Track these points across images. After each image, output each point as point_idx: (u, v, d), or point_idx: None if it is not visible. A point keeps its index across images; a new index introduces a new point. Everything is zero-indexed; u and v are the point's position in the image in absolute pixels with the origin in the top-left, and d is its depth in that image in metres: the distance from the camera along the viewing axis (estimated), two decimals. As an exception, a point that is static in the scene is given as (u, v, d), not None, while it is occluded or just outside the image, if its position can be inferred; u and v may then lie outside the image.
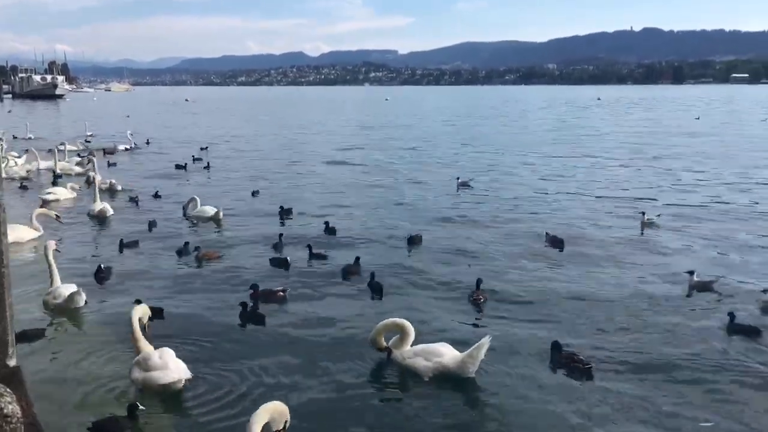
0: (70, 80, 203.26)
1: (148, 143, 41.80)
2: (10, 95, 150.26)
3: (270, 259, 13.99)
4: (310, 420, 7.33)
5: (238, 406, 7.83)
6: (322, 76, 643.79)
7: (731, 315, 9.99)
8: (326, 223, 16.96)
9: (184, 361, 8.40)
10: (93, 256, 14.89)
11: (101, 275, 12.78)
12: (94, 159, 27.63)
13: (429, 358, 8.51)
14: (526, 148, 38.24)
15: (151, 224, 17.36)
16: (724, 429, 7.31)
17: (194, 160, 31.38)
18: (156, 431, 7.55)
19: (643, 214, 17.62)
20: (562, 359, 8.81)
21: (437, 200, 21.74)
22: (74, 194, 22.50)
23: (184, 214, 19.09)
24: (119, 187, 23.59)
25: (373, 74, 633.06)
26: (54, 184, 24.99)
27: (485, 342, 8.22)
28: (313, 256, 14.31)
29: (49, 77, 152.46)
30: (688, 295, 11.66)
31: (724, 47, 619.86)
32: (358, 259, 13.44)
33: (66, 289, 11.29)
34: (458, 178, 24.47)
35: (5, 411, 2.43)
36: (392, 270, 13.38)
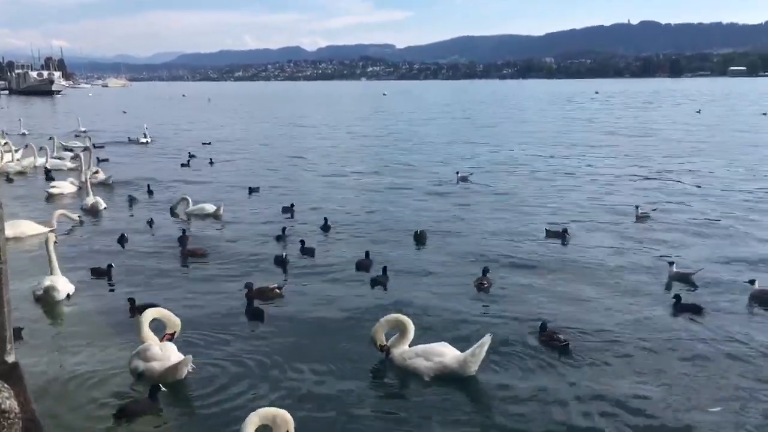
0: (66, 76, 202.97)
1: (145, 137, 41.84)
2: (6, 91, 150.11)
3: (275, 257, 13.82)
4: (308, 421, 7.27)
5: (237, 398, 7.88)
6: (320, 71, 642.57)
7: (677, 297, 10.63)
8: (325, 219, 16.97)
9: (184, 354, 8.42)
10: (91, 251, 14.93)
11: (106, 270, 12.79)
12: (91, 150, 27.71)
13: (430, 357, 8.48)
14: (527, 143, 38.20)
15: (150, 223, 17.16)
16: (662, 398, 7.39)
17: (190, 156, 31.14)
18: (177, 414, 7.64)
19: (637, 207, 17.72)
20: (544, 337, 9.29)
21: (437, 195, 21.72)
22: (75, 188, 22.68)
23: (172, 214, 19.03)
24: (110, 181, 23.79)
25: (370, 69, 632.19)
26: (47, 179, 25.13)
27: (486, 340, 8.21)
28: (305, 251, 14.33)
29: (45, 73, 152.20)
30: (668, 286, 11.93)
31: (721, 40, 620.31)
32: (368, 253, 13.52)
33: (47, 280, 11.50)
34: (458, 173, 24.47)
35: (3, 407, 2.40)
36: (395, 264, 13.43)
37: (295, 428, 5.97)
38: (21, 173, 26.83)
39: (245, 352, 9.20)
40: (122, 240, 15.24)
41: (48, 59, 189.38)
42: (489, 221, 17.67)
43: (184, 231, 15.65)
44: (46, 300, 11.40)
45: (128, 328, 10.05)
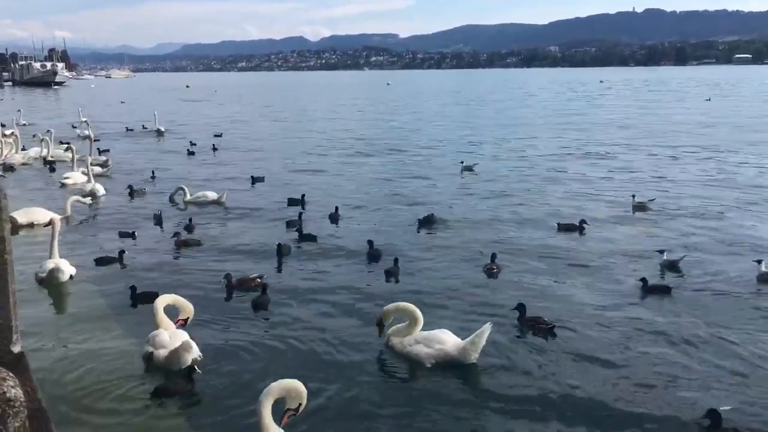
0: (70, 67, 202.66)
1: (144, 128, 42.34)
2: (10, 83, 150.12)
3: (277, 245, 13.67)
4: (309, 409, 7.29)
5: (246, 386, 7.91)
6: (323, 61, 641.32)
7: (644, 280, 11.05)
8: (336, 208, 17.09)
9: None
10: (91, 236, 15.15)
11: (118, 257, 12.90)
12: (92, 139, 28.29)
13: (430, 345, 8.51)
14: (532, 132, 37.97)
15: (157, 218, 16.86)
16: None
17: (190, 148, 30.98)
18: (213, 397, 7.75)
19: (633, 197, 17.73)
20: (528, 323, 9.51)
21: (441, 184, 21.71)
22: (86, 178, 22.63)
23: (170, 201, 19.33)
24: (109, 166, 24.57)
25: (374, 58, 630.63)
26: (51, 171, 25.38)
27: (486, 329, 8.24)
28: (303, 237, 14.43)
29: (48, 64, 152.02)
30: (661, 273, 12.18)
31: (726, 28, 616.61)
32: (371, 242, 13.49)
33: (50, 263, 11.85)
34: (462, 162, 24.42)
35: (8, 395, 2.41)
36: (403, 251, 13.56)
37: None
38: (25, 165, 26.82)
39: (254, 339, 9.28)
40: (130, 234, 15.19)
41: (51, 50, 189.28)
42: (491, 211, 17.68)
43: (187, 225, 15.72)
44: (49, 282, 11.72)
45: (132, 313, 10.35)
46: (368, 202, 18.92)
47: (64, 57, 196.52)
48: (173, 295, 9.28)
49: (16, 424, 2.44)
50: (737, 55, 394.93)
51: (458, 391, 7.95)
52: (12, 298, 3.79)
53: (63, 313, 10.87)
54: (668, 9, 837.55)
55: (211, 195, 18.81)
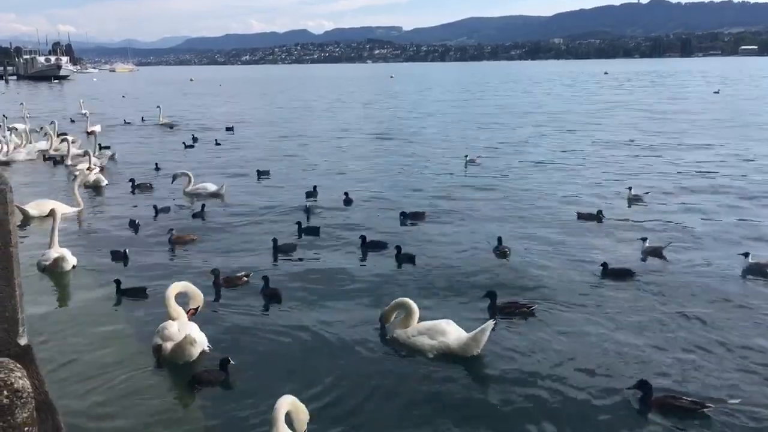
0: (74, 61, 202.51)
1: (143, 120, 42.74)
2: (14, 77, 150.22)
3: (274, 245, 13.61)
4: (312, 399, 7.34)
5: (251, 378, 7.96)
6: (327, 54, 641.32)
7: (604, 264, 11.34)
8: (346, 194, 17.55)
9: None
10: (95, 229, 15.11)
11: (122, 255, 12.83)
12: (96, 133, 28.36)
13: (433, 336, 8.57)
14: (538, 125, 37.78)
15: (159, 210, 16.70)
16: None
17: (187, 141, 30.87)
18: (246, 386, 7.83)
19: (630, 189, 17.80)
20: (505, 308, 9.76)
21: (445, 177, 21.66)
22: (98, 169, 22.98)
23: (173, 179, 19.46)
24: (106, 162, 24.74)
25: (377, 51, 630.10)
26: (55, 165, 25.51)
27: (489, 326, 8.30)
28: (303, 230, 14.45)
29: (53, 58, 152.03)
30: (643, 260, 12.55)
31: (732, 19, 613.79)
32: (364, 237, 13.43)
33: (55, 252, 12.09)
34: (467, 156, 24.36)
35: (16, 386, 2.43)
36: (409, 240, 13.67)
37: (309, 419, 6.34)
38: (30, 160, 26.84)
39: (254, 333, 9.31)
40: (134, 225, 15.21)
41: (55, 44, 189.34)
42: (495, 202, 17.67)
43: (198, 212, 16.02)
44: (53, 271, 11.94)
45: (135, 302, 10.42)
46: (374, 194, 18.85)
47: (68, 51, 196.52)
48: (185, 282, 9.28)
49: (24, 415, 2.47)
50: (743, 47, 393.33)
51: (462, 381, 7.98)
52: (18, 290, 3.81)
53: (68, 302, 10.96)
54: (673, 0, 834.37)
55: (211, 187, 18.77)
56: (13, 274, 3.79)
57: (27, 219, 15.88)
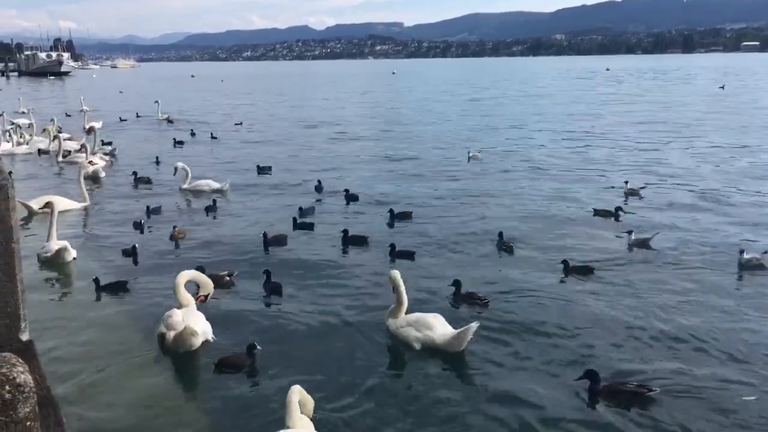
0: (75, 57, 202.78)
1: (138, 116, 43.04)
2: (16, 73, 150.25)
3: (266, 238, 13.51)
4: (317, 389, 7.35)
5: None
6: (328, 50, 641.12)
7: (565, 262, 11.48)
8: (346, 190, 17.65)
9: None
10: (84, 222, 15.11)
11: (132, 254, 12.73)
12: (95, 129, 28.85)
13: (420, 329, 8.69)
14: (542, 122, 37.60)
15: (151, 211, 16.29)
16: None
17: (177, 141, 30.38)
18: (271, 373, 7.98)
19: (626, 183, 17.93)
20: (463, 298, 10.09)
21: (447, 173, 21.62)
22: (105, 162, 23.49)
23: (175, 172, 19.35)
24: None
25: (379, 47, 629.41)
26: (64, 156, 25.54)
27: (473, 327, 8.37)
28: (297, 226, 14.51)
29: (54, 54, 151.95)
30: (630, 251, 12.82)
31: (734, 15, 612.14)
32: (346, 231, 13.47)
33: (55, 244, 12.28)
34: (469, 152, 24.33)
35: (18, 380, 2.43)
36: (410, 239, 13.68)
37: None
38: (29, 154, 26.88)
39: (261, 324, 9.44)
40: (139, 226, 15.16)
41: (57, 40, 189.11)
42: (499, 198, 17.66)
43: (210, 206, 16.43)
44: (54, 262, 12.12)
45: (138, 294, 10.52)
46: (375, 192, 18.80)
47: (69, 47, 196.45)
48: (194, 271, 9.41)
49: (26, 410, 2.47)
50: (745, 43, 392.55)
51: (448, 375, 8.11)
52: (20, 286, 3.82)
53: (71, 293, 11.02)
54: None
55: (213, 184, 18.76)
56: (15, 270, 3.80)
57: (31, 215, 15.95)
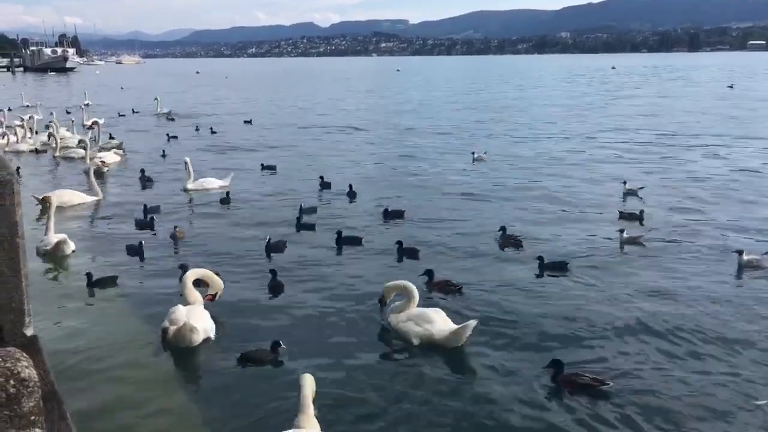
0: (80, 53, 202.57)
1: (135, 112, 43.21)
2: (21, 68, 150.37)
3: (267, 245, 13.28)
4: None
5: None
6: (333, 47, 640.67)
7: (540, 258, 11.58)
8: (350, 186, 17.87)
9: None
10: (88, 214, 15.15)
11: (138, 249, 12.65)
12: (99, 123, 29.32)
13: (420, 324, 8.74)
14: (549, 121, 37.24)
15: (148, 210, 16.10)
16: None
17: (170, 136, 30.54)
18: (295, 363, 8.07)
19: (624, 183, 17.93)
20: (437, 286, 10.48)
21: (451, 174, 21.52)
22: (119, 158, 23.92)
23: (185, 165, 18.96)
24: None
25: (383, 45, 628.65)
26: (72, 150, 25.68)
27: (471, 324, 8.43)
28: (300, 227, 14.49)
29: (59, 50, 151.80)
30: (622, 249, 12.90)
31: (740, 13, 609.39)
32: (340, 232, 13.43)
33: (54, 237, 12.43)
34: (473, 152, 24.21)
35: (22, 375, 2.45)
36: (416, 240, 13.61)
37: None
38: (36, 151, 26.82)
39: (263, 321, 9.52)
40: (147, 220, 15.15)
41: (62, 36, 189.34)
42: (502, 201, 17.67)
43: (224, 198, 16.90)
44: (54, 255, 12.26)
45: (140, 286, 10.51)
46: (380, 190, 18.79)
47: (74, 43, 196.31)
48: (203, 269, 9.48)
49: (31, 404, 2.49)
50: (751, 42, 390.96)
51: (449, 370, 8.18)
52: (24, 281, 3.84)
53: (71, 285, 11.07)
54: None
55: (215, 182, 18.72)
56: (20, 265, 3.82)
57: (44, 210, 15.94)
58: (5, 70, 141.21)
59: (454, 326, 8.55)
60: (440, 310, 8.94)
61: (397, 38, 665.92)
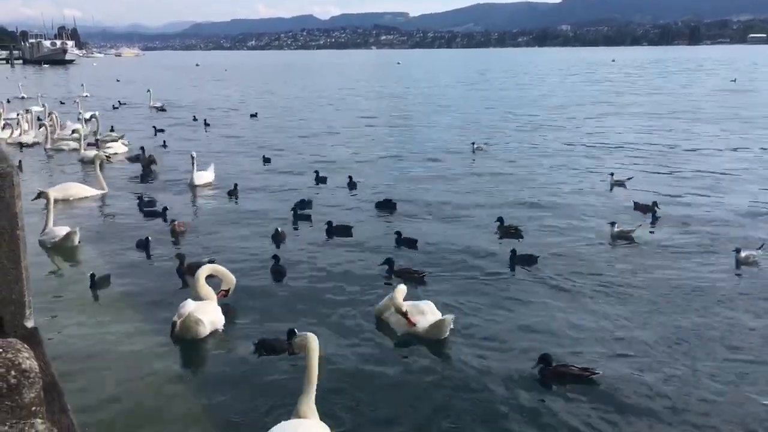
0: (80, 45, 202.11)
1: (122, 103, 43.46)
2: (20, 61, 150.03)
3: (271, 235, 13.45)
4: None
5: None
6: (333, 40, 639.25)
7: (513, 251, 11.61)
8: (350, 177, 18.14)
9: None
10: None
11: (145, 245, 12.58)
12: (97, 117, 29.50)
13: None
14: (549, 113, 37.31)
15: (145, 203, 16.13)
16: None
17: (157, 129, 30.32)
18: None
19: (612, 174, 18.17)
20: (399, 272, 10.69)
21: (451, 165, 21.56)
22: (125, 149, 24.19)
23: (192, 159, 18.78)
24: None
25: (384, 37, 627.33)
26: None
27: (448, 318, 8.55)
28: (298, 218, 14.62)
29: (58, 43, 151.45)
30: (611, 244, 13.00)
31: (741, 6, 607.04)
32: (330, 223, 13.54)
33: (61, 230, 12.55)
34: (474, 143, 24.25)
35: (23, 366, 2.45)
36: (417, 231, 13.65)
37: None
38: (36, 144, 26.76)
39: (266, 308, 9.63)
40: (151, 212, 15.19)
41: (61, 29, 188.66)
42: (500, 193, 17.67)
43: (231, 190, 17.20)
44: (62, 246, 12.37)
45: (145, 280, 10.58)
46: (380, 183, 18.80)
47: (73, 35, 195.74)
48: (215, 265, 9.57)
49: (32, 395, 2.49)
50: (752, 35, 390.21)
51: (438, 359, 8.28)
52: (25, 273, 3.84)
53: (79, 278, 11.06)
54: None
55: (206, 176, 18.69)
56: (20, 257, 3.81)
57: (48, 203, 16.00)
58: (4, 62, 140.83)
59: (433, 321, 8.61)
60: (430, 302, 8.99)
61: (397, 31, 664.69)
